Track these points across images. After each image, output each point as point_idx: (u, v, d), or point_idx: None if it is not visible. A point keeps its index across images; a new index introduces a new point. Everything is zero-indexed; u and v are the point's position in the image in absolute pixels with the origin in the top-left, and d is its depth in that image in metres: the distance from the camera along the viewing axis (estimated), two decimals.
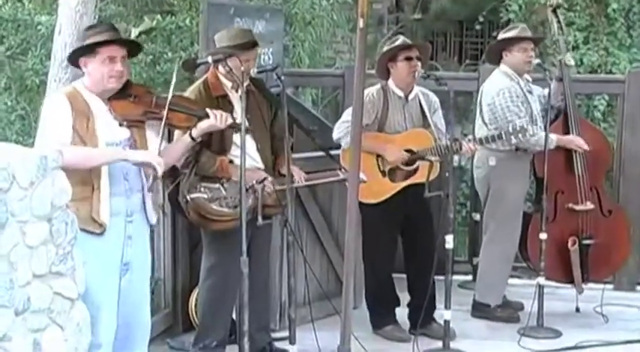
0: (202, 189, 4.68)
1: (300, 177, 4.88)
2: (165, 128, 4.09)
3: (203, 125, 4.23)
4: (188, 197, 4.69)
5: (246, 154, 4.28)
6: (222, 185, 4.69)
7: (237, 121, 4.32)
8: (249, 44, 4.79)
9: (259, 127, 4.87)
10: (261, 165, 4.83)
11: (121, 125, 3.97)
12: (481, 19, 10.61)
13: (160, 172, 3.89)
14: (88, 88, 3.95)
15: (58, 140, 3.76)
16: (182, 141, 4.29)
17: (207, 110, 4.29)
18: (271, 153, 4.93)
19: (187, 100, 4.37)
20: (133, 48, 4.10)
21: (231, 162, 4.71)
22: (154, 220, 4.11)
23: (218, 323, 4.96)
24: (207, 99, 4.74)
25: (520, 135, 5.39)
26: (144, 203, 4.02)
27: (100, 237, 3.80)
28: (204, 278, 4.95)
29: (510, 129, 5.42)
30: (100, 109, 3.93)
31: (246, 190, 4.22)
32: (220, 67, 4.72)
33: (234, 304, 4.92)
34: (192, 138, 4.25)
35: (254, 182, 4.51)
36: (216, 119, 4.23)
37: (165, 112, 4.00)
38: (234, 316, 5.03)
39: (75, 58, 3.99)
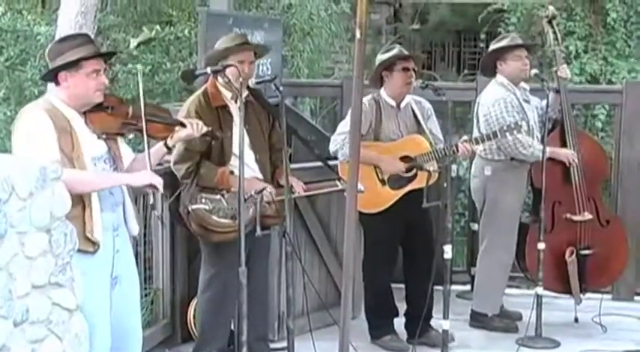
0: (203, 200, 4.68)
1: (299, 188, 4.88)
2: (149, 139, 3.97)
3: (181, 134, 4.13)
4: (189, 208, 4.70)
5: (245, 165, 4.28)
6: (222, 196, 4.70)
7: (213, 130, 4.34)
8: (242, 43, 4.80)
9: (258, 138, 4.88)
10: (260, 176, 4.83)
11: (99, 138, 3.86)
12: (482, 36, 10.60)
13: (161, 190, 3.87)
14: (65, 102, 3.79)
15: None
16: (156, 151, 4.12)
17: (182, 119, 4.25)
18: (270, 163, 4.94)
19: (161, 110, 4.26)
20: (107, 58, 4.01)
21: (231, 172, 4.71)
22: (135, 232, 4.05)
23: (217, 334, 4.97)
24: (208, 110, 4.76)
25: (515, 132, 5.37)
26: (124, 215, 3.97)
27: (92, 255, 3.73)
28: (203, 289, 4.96)
29: (505, 126, 5.41)
30: (78, 123, 3.80)
31: (245, 200, 4.21)
32: (219, 78, 4.73)
33: (233, 314, 4.91)
34: (168, 148, 4.13)
35: (252, 192, 4.51)
36: (192, 128, 4.16)
37: (144, 124, 3.87)
38: (232, 326, 5.03)
39: (54, 73, 3.81)
